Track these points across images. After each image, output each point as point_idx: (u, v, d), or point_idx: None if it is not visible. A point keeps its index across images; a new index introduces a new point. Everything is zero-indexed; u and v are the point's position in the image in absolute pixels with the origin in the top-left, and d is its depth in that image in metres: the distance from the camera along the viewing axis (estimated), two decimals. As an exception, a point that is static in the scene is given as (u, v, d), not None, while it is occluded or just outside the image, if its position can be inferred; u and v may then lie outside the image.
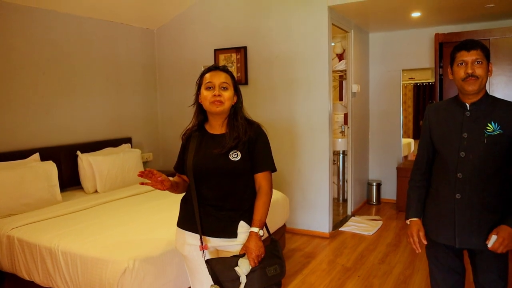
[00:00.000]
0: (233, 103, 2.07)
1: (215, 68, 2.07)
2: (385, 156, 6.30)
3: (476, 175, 1.98)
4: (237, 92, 2.10)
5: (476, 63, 1.95)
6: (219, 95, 1.98)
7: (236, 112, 2.08)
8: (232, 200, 2.02)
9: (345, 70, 5.67)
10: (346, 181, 5.78)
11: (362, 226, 5.06)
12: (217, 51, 5.15)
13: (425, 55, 5.85)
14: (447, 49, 5.08)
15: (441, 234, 2.10)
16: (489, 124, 1.96)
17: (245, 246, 1.95)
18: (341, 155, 6.17)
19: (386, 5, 4.56)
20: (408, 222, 2.19)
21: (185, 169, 2.08)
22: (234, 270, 1.89)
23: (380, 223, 5.20)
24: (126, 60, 5.21)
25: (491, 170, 1.97)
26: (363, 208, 5.99)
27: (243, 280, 1.88)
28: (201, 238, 1.99)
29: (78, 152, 4.34)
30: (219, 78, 2.02)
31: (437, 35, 5.16)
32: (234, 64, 5.03)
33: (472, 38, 4.85)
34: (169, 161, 5.63)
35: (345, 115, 5.86)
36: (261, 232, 1.98)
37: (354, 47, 5.44)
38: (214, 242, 2.04)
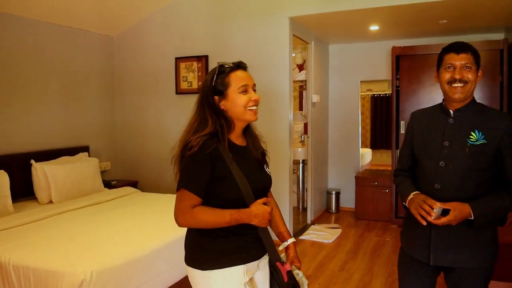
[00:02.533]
0: None
1: (239, 67, 1.75)
2: (344, 165, 6.42)
3: (455, 187, 1.84)
4: None
5: (465, 67, 1.81)
6: (255, 100, 1.70)
7: None
8: None
9: (305, 81, 5.77)
10: (306, 190, 5.85)
11: (321, 234, 5.11)
12: (178, 60, 5.12)
13: (383, 67, 6.03)
14: (403, 62, 5.27)
15: (416, 249, 1.97)
16: (472, 133, 1.83)
17: (293, 257, 1.84)
18: (301, 164, 6.24)
19: (345, 18, 4.68)
20: (411, 196, 1.91)
21: (231, 190, 1.65)
22: (297, 284, 1.76)
23: (339, 231, 5.28)
24: (84, 66, 5.08)
25: (473, 182, 1.84)
26: (323, 217, 6.07)
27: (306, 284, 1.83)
28: (280, 260, 1.72)
29: (32, 161, 4.17)
30: (252, 79, 1.74)
31: (394, 48, 5.34)
32: (195, 73, 5.01)
33: (426, 52, 5.10)
34: (128, 170, 5.52)
35: (305, 125, 5.94)
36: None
37: (314, 58, 5.54)
38: (254, 265, 1.77)
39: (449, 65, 1.84)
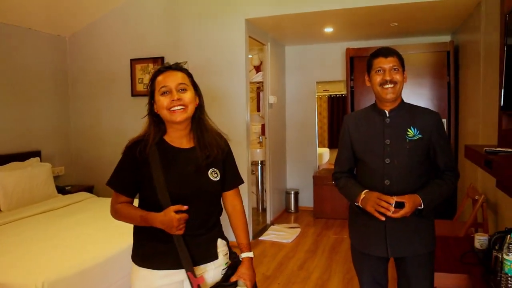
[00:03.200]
0: (196, 105, 1.74)
1: (167, 68, 1.71)
2: (302, 165, 6.51)
3: (402, 181, 1.98)
4: (198, 93, 1.77)
5: (393, 69, 1.97)
6: (178, 99, 1.64)
7: (200, 118, 1.77)
8: (212, 221, 1.78)
9: (262, 82, 5.80)
10: (265, 191, 5.89)
11: (281, 234, 5.16)
12: (133, 61, 5.04)
13: (338, 68, 6.16)
14: (358, 63, 5.40)
15: (372, 246, 2.07)
16: (409, 130, 1.99)
17: (241, 273, 1.75)
18: (259, 165, 6.27)
19: (300, 20, 4.74)
20: (363, 195, 1.98)
21: (149, 192, 1.67)
22: None
23: (298, 230, 5.35)
24: (34, 68, 4.90)
25: (416, 174, 2.00)
26: (282, 217, 6.13)
27: None
28: (192, 272, 1.64)
29: (-21, 168, 4.00)
30: (175, 79, 1.66)
31: (348, 49, 5.47)
32: (151, 75, 4.94)
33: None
34: (83, 175, 5.37)
35: (263, 126, 5.98)
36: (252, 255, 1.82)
37: (270, 59, 5.59)
38: (199, 271, 1.72)
39: (379, 69, 1.99)
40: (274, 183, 5.84)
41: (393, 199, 1.88)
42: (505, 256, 1.73)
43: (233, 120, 4.69)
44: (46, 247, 2.90)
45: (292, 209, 6.36)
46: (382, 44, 5.66)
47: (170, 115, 1.65)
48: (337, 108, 9.40)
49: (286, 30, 5.37)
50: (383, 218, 1.91)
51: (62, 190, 4.76)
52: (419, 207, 1.93)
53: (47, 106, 5.08)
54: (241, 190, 4.85)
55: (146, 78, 4.98)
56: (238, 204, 1.88)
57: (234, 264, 1.80)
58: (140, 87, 5.02)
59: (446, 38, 5.63)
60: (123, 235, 3.06)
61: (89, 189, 5.01)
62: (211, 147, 1.75)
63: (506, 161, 1.70)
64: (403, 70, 2.02)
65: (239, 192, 1.91)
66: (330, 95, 9.39)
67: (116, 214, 1.72)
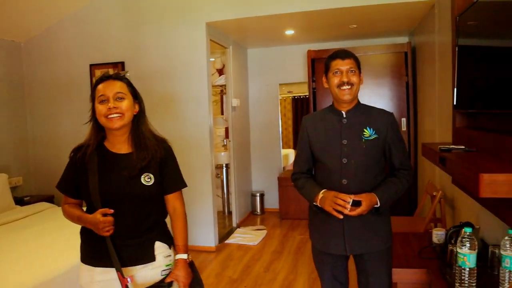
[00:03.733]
0: (134, 113, 1.82)
1: (107, 77, 1.78)
2: (267, 167, 6.53)
3: (360, 180, 2.03)
4: (138, 101, 1.85)
5: (350, 71, 2.02)
6: (115, 108, 1.72)
7: (139, 125, 1.84)
8: (146, 224, 1.82)
9: (225, 85, 5.79)
10: (231, 194, 5.87)
11: (247, 236, 5.16)
12: (93, 66, 4.93)
13: (300, 70, 6.22)
14: (319, 65, 5.47)
15: (331, 244, 2.12)
16: (365, 130, 2.04)
17: (174, 275, 1.82)
18: (224, 168, 6.26)
19: (261, 23, 4.77)
20: (322, 194, 2.02)
21: (85, 195, 1.78)
22: None
23: (264, 232, 5.37)
24: (-13, 74, 4.71)
25: (372, 173, 2.06)
26: (248, 219, 6.13)
27: None
28: (121, 272, 1.72)
29: None
30: (113, 88, 1.74)
31: (309, 51, 5.54)
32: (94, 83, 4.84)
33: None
34: (42, 184, 5.20)
35: (226, 129, 5.97)
36: (188, 258, 1.88)
37: (233, 62, 5.58)
38: (130, 272, 1.78)
39: (336, 70, 2.04)
40: (239, 186, 5.84)
41: (350, 198, 1.93)
42: (458, 250, 1.78)
43: (196, 123, 4.65)
44: (5, 261, 2.78)
45: (258, 211, 6.37)
46: (342, 46, 5.80)
47: (107, 122, 1.74)
48: (301, 109, 9.51)
49: (248, 33, 5.39)
50: (341, 217, 1.95)
51: (20, 201, 4.59)
52: (375, 205, 1.99)
53: (1, 114, 4.90)
54: (205, 194, 4.82)
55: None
56: (179, 207, 1.92)
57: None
58: (100, 92, 4.91)
59: (404, 40, 5.78)
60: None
61: (49, 199, 4.85)
62: (148, 152, 1.81)
63: (458, 158, 1.76)
64: (360, 72, 2.08)
65: (181, 196, 1.95)
66: (294, 96, 9.49)
67: (64, 213, 1.88)
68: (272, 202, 6.47)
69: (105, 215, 1.69)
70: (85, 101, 4.88)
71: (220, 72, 6.34)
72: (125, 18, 4.81)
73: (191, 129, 4.65)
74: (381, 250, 2.11)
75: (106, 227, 1.67)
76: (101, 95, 1.74)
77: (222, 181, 6.34)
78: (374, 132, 2.04)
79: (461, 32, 2.23)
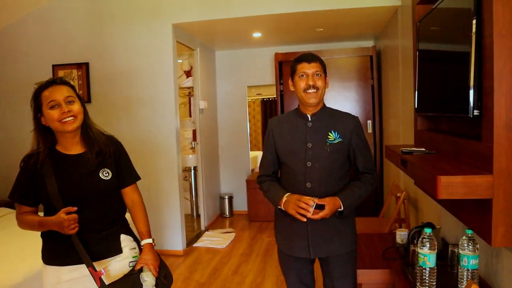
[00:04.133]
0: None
1: (51, 83, 1.81)
2: (235, 169, 6.52)
3: (324, 183, 2.04)
4: (81, 102, 1.90)
5: (316, 75, 2.03)
6: (69, 111, 1.78)
7: (88, 125, 1.92)
8: (110, 217, 1.93)
9: (193, 87, 5.75)
10: (199, 196, 5.83)
11: (215, 240, 5.14)
12: (56, 67, 4.80)
13: (268, 72, 6.24)
14: (286, 67, 5.51)
15: (295, 247, 2.12)
16: (330, 133, 2.05)
17: (143, 259, 1.93)
18: (192, 171, 6.21)
19: (228, 25, 4.76)
20: (285, 198, 2.03)
21: (45, 199, 1.82)
22: (141, 285, 1.88)
23: (233, 235, 5.35)
24: None
25: (336, 177, 2.07)
26: (217, 222, 6.10)
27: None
28: (92, 266, 1.79)
29: None
30: (62, 93, 1.79)
31: (276, 54, 5.57)
32: (76, 81, 4.74)
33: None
34: (1, 189, 5.03)
35: (194, 131, 5.93)
36: (154, 242, 2.01)
37: (200, 64, 5.55)
38: (100, 266, 1.85)
39: (302, 74, 2.04)
40: (207, 189, 5.81)
41: (313, 201, 1.94)
42: (419, 250, 1.82)
43: (163, 126, 4.60)
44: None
45: (227, 213, 6.35)
46: (309, 49, 5.86)
47: (62, 125, 1.78)
48: (270, 112, 9.55)
49: (215, 35, 5.37)
50: (304, 219, 1.96)
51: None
52: (339, 209, 2.01)
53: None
54: (172, 197, 4.77)
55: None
56: (137, 198, 2.06)
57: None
58: (63, 94, 4.78)
59: (369, 43, 5.89)
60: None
61: (10, 204, 4.70)
62: (101, 148, 1.90)
63: (418, 161, 1.80)
64: (325, 76, 2.09)
65: (137, 188, 2.08)
66: (263, 98, 9.52)
67: (21, 223, 1.87)
68: (241, 204, 6.46)
69: (68, 213, 1.73)
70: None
71: (188, 74, 6.29)
72: (90, 18, 4.71)
73: (157, 132, 4.60)
74: (345, 253, 2.14)
75: (71, 225, 1.71)
76: (51, 100, 1.77)
77: (190, 183, 6.30)
78: (338, 136, 2.06)
79: (421, 37, 2.29)
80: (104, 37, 4.69)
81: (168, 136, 4.61)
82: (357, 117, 2.17)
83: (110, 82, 4.67)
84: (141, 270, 1.92)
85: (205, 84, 5.80)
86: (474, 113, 1.48)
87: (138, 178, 2.09)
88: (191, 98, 6.20)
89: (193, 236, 5.33)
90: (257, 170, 7.18)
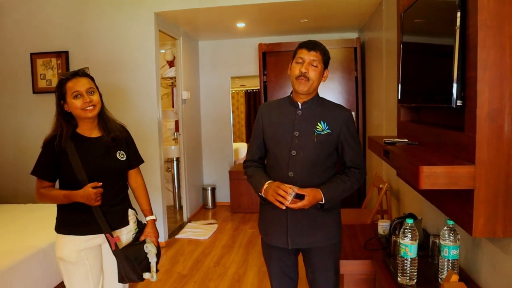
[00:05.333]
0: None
1: (74, 74, 2.09)
2: (218, 160, 6.49)
3: (307, 174, 1.99)
4: (99, 93, 2.17)
5: (312, 65, 1.96)
6: (90, 101, 2.06)
7: (104, 112, 2.20)
8: (122, 193, 2.24)
9: (176, 77, 5.69)
10: (181, 188, 5.79)
11: (198, 231, 5.11)
12: (34, 55, 4.68)
13: (252, 63, 6.20)
14: (270, 58, 5.48)
15: (274, 236, 2.09)
16: (318, 124, 1.99)
17: (147, 232, 2.26)
18: (175, 162, 6.16)
19: (212, 14, 4.70)
20: (266, 185, 2.00)
21: (69, 175, 2.06)
22: (144, 253, 2.18)
23: (215, 226, 5.33)
24: None
25: (321, 168, 2.01)
26: (200, 213, 6.08)
27: (154, 259, 2.21)
28: (110, 234, 2.09)
29: None
30: (84, 84, 2.08)
31: (260, 45, 5.52)
32: (55, 70, 4.64)
33: (290, 48, 5.36)
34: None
35: (177, 122, 5.87)
36: (156, 218, 2.36)
37: (183, 54, 5.48)
38: (114, 235, 2.15)
39: (300, 60, 1.98)
40: (190, 180, 5.77)
41: (292, 190, 1.88)
42: (400, 241, 1.83)
43: (144, 116, 4.53)
44: None
45: (210, 205, 6.33)
46: (293, 40, 5.83)
47: (84, 113, 2.07)
48: (254, 103, 9.50)
49: (199, 25, 5.30)
50: (283, 207, 1.90)
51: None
52: (320, 202, 1.96)
53: None
54: (154, 188, 4.71)
55: (49, 74, 4.66)
56: (140, 180, 2.39)
57: (141, 229, 2.30)
58: (42, 84, 4.69)
59: (354, 35, 5.89)
60: (24, 243, 2.85)
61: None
62: (115, 133, 2.19)
63: (400, 151, 1.79)
64: (325, 68, 2.02)
65: (140, 171, 2.40)
66: (247, 90, 9.47)
67: (41, 196, 2.09)
68: (224, 196, 6.44)
69: (93, 188, 2.01)
70: (25, 93, 4.69)
71: (171, 64, 6.21)
72: (69, 5, 4.60)
73: (139, 122, 4.53)
74: (327, 245, 2.10)
75: (98, 197, 2.01)
76: (75, 91, 2.05)
77: (173, 175, 6.25)
78: (327, 127, 2.00)
79: (405, 29, 2.28)
80: (84, 26, 4.58)
81: (150, 127, 4.55)
82: (349, 110, 2.10)
83: (90, 72, 4.48)
84: (144, 241, 2.22)
85: (188, 75, 5.74)
86: (457, 104, 1.47)
87: (143, 161, 2.40)
88: (174, 89, 6.12)
89: (175, 227, 5.30)
90: (240, 161, 7.15)
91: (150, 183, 4.53)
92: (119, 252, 2.11)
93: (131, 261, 2.12)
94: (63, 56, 4.63)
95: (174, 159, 6.14)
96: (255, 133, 2.17)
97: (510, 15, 1.32)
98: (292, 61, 2.05)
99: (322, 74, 2.02)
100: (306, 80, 1.96)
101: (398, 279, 1.88)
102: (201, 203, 6.37)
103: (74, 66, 4.58)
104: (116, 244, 2.11)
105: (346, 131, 2.03)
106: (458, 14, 1.44)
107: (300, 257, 2.24)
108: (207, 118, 6.45)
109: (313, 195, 1.92)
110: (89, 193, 1.99)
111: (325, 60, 2.02)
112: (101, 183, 2.05)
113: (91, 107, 2.08)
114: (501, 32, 1.32)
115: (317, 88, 2.04)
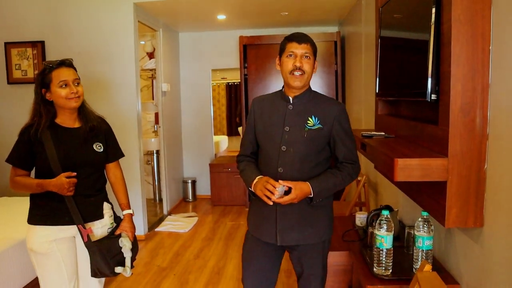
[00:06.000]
0: None
1: (60, 64, 2.08)
2: (199, 153, 6.47)
3: (296, 169, 1.94)
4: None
5: (305, 57, 1.91)
6: (76, 92, 2.06)
7: (83, 104, 2.20)
8: (98, 186, 2.21)
9: (155, 69, 5.64)
10: (161, 181, 5.76)
11: (178, 224, 5.10)
12: (9, 45, 4.57)
13: (232, 56, 6.18)
14: (251, 51, 5.47)
15: (264, 232, 2.03)
16: (310, 118, 1.94)
17: (123, 226, 2.23)
18: (155, 155, 6.12)
19: (192, 6, 4.66)
20: (256, 180, 1.95)
21: (43, 164, 2.05)
22: (118, 247, 2.15)
23: (195, 219, 5.33)
24: None
25: (311, 164, 1.95)
26: (180, 206, 6.06)
27: (129, 254, 2.18)
28: (82, 225, 2.07)
29: None
30: (70, 74, 2.08)
31: (241, 37, 5.51)
32: (31, 60, 4.55)
33: (271, 41, 5.37)
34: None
35: (156, 114, 5.82)
36: (133, 212, 2.33)
37: (163, 46, 5.44)
38: (87, 227, 2.13)
39: (291, 53, 1.92)
40: (170, 173, 5.74)
41: (280, 184, 1.85)
42: (376, 232, 1.86)
43: (123, 109, 4.48)
44: None
45: (190, 198, 6.32)
46: (274, 33, 5.84)
47: (68, 102, 2.06)
48: (235, 96, 9.50)
49: (179, 16, 5.26)
50: (271, 202, 1.87)
51: None
52: (309, 196, 1.91)
53: None
54: (133, 181, 4.67)
55: (25, 64, 4.57)
56: (119, 174, 2.36)
57: (118, 224, 2.27)
58: (17, 74, 4.59)
59: (334, 29, 5.92)
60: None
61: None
62: (93, 123, 2.18)
63: (377, 144, 1.83)
64: (315, 59, 1.98)
65: (119, 164, 2.38)
66: (228, 83, 9.46)
67: (15, 184, 2.09)
68: (204, 188, 6.43)
69: (67, 178, 1.99)
70: (1, 83, 4.58)
71: (151, 55, 6.15)
72: (46, -5, 4.50)
73: (118, 114, 4.47)
74: (316, 243, 2.03)
75: (70, 187, 1.98)
76: (62, 80, 2.04)
77: (153, 167, 6.21)
78: (318, 122, 1.94)
79: (383, 24, 2.31)
80: (60, 15, 4.49)
81: (129, 119, 4.50)
82: (342, 104, 2.05)
83: (68, 62, 4.48)
84: (119, 235, 2.19)
85: (168, 66, 5.69)
86: (432, 98, 1.51)
87: (123, 155, 2.37)
88: (154, 81, 6.07)
89: (155, 220, 5.28)
90: (220, 154, 7.16)
91: (130, 176, 4.51)
92: (91, 244, 2.08)
93: (104, 254, 2.09)
94: (39, 46, 4.53)
95: (154, 151, 6.10)
96: (248, 127, 2.13)
97: (482, 12, 1.35)
98: (280, 56, 1.99)
99: (313, 65, 1.98)
100: (302, 73, 1.92)
101: (374, 269, 1.92)
102: (182, 196, 6.35)
103: (50, 57, 4.50)
104: (88, 236, 2.08)
105: (338, 126, 1.97)
106: (433, 10, 1.47)
107: (285, 259, 2.18)
108: (188, 111, 6.41)
109: (300, 188, 1.86)
110: (62, 182, 1.97)
111: (315, 51, 1.98)
112: (75, 173, 2.03)
113: (76, 98, 2.08)
114: (473, 28, 1.36)
115: (309, 80, 1.99)
